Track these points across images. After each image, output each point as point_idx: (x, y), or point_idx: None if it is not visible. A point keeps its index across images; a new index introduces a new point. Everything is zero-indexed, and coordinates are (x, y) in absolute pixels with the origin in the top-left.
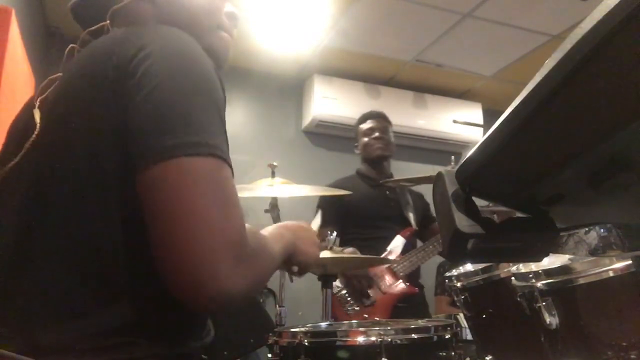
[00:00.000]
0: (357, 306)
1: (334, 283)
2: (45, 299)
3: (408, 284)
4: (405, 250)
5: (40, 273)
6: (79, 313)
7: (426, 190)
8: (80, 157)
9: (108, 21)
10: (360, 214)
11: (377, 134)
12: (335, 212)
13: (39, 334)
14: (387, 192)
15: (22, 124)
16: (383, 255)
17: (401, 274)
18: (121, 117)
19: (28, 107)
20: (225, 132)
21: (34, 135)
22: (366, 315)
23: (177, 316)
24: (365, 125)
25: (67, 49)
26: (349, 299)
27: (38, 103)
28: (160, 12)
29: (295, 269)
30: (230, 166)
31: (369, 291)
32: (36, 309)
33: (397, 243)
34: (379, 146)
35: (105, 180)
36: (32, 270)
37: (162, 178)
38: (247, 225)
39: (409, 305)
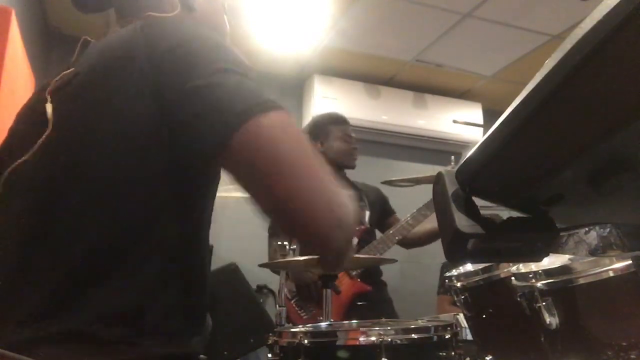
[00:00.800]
0: (313, 309)
1: (287, 289)
2: (47, 297)
3: (359, 281)
4: (359, 248)
5: (43, 273)
6: (80, 313)
7: (426, 190)
8: (104, 152)
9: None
10: None
11: (355, 145)
12: None
13: (39, 333)
14: None
15: (31, 118)
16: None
17: (354, 273)
18: (162, 110)
19: (37, 101)
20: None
21: (48, 131)
22: (321, 318)
23: (176, 316)
24: (344, 129)
25: (81, 41)
26: (304, 303)
27: (49, 97)
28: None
29: None
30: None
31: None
32: (36, 307)
33: None
34: (355, 158)
35: (124, 177)
36: (35, 270)
37: (251, 139)
38: None
39: (369, 303)
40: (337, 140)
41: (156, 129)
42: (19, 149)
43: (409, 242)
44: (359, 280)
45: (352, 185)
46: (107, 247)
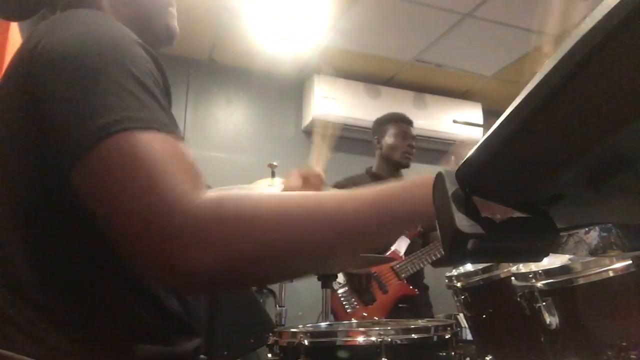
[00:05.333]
0: (357, 304)
1: (336, 280)
2: (27, 306)
3: (409, 285)
4: (410, 250)
5: (15, 282)
6: (62, 319)
7: None
8: (11, 165)
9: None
10: None
11: (411, 142)
12: None
13: (24, 342)
14: None
15: None
16: (387, 255)
17: (403, 275)
18: (34, 116)
19: None
20: (152, 97)
21: None
22: (365, 314)
23: (164, 318)
24: (401, 127)
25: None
26: (349, 297)
27: None
28: None
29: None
30: (157, 129)
31: (371, 290)
32: (19, 316)
33: (401, 243)
34: (409, 156)
35: (48, 185)
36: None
37: (83, 174)
38: (240, 190)
39: (410, 306)
40: (392, 137)
41: (31, 127)
42: None
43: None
44: (407, 283)
45: None
46: (71, 261)
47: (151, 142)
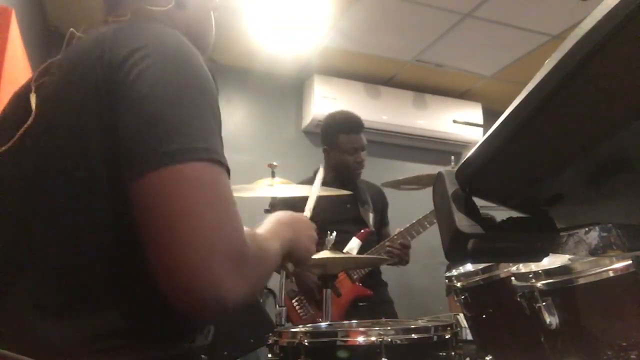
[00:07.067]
0: (312, 310)
1: (287, 289)
2: (39, 300)
3: (362, 285)
4: (362, 252)
5: (32, 272)
6: (73, 316)
7: (427, 191)
8: (71, 154)
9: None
10: (316, 218)
11: (362, 158)
12: None
13: (33, 336)
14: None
15: (17, 107)
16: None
17: (355, 276)
18: (112, 118)
19: (24, 91)
20: (221, 133)
21: (29, 121)
22: (320, 319)
23: (172, 319)
24: (351, 140)
25: (68, 34)
26: (304, 302)
27: (34, 87)
28: (184, 6)
29: (291, 266)
30: (228, 169)
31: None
32: (30, 311)
33: (353, 245)
34: (359, 172)
35: (94, 182)
36: (24, 269)
37: (160, 184)
38: (245, 227)
39: (370, 304)
40: (342, 153)
41: (104, 134)
42: (4, 137)
43: None
44: (360, 284)
45: (356, 187)
46: (90, 256)
47: (227, 180)
